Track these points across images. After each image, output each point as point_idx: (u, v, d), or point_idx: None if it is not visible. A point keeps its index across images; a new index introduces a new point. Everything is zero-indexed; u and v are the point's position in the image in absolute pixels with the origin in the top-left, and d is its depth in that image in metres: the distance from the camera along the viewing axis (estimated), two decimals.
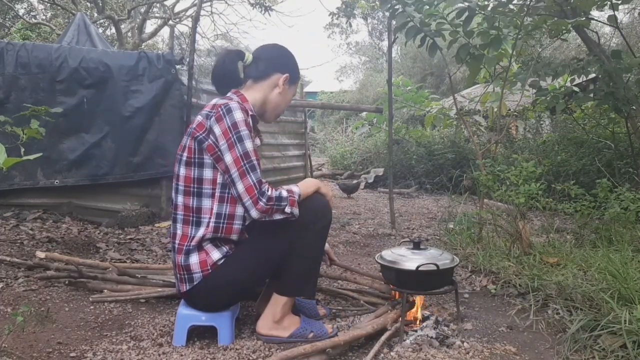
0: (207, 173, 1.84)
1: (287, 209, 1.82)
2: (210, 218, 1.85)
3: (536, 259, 2.70)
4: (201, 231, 1.85)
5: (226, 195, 1.86)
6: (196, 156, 1.84)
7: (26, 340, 1.87)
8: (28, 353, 1.78)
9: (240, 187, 1.79)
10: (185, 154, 1.86)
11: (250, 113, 1.88)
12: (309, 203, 1.92)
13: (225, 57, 1.98)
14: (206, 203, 1.85)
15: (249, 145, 1.80)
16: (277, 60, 2.02)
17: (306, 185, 1.95)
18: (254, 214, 1.79)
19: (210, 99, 2.06)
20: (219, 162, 1.82)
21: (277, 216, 1.82)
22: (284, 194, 1.83)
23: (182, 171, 1.87)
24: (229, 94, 1.96)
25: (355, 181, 7.55)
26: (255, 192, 1.78)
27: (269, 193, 1.79)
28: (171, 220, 1.95)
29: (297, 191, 1.88)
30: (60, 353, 1.80)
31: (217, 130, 1.80)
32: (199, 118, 1.87)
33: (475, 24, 3.50)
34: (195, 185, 1.85)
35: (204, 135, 1.82)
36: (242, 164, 1.79)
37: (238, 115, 1.80)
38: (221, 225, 1.86)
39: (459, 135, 7.77)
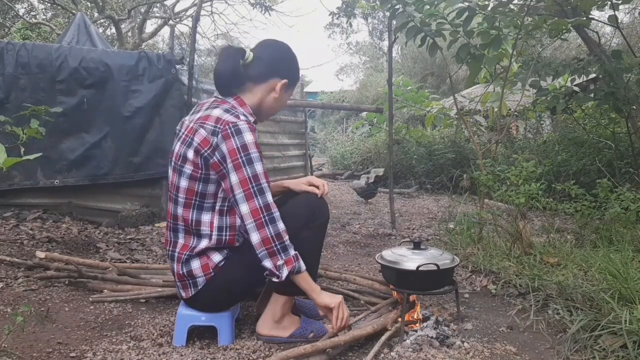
0: (211, 188, 1.81)
1: (279, 262, 1.71)
2: (212, 232, 1.83)
3: (536, 259, 2.70)
4: (204, 243, 1.83)
5: (226, 208, 1.84)
6: (203, 172, 1.79)
7: (26, 340, 1.87)
8: (28, 353, 1.78)
9: (244, 208, 1.72)
10: (189, 167, 1.79)
11: (252, 119, 1.86)
12: (306, 201, 1.92)
13: (229, 55, 1.89)
14: (205, 217, 1.83)
15: (259, 167, 1.74)
16: (277, 64, 1.93)
17: (308, 285, 1.81)
18: (255, 238, 1.71)
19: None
20: (224, 179, 1.77)
21: (267, 262, 1.71)
22: (292, 251, 1.75)
23: (184, 183, 1.81)
24: (228, 99, 1.89)
25: (373, 183, 6.97)
26: (261, 215, 1.71)
27: (282, 227, 1.72)
28: (168, 228, 1.91)
29: (302, 265, 1.77)
30: (60, 353, 1.80)
31: (224, 148, 1.74)
32: (203, 132, 1.77)
33: (475, 24, 3.50)
34: (198, 199, 1.82)
35: (209, 152, 1.76)
36: (250, 186, 1.72)
37: (248, 137, 1.74)
38: (224, 237, 1.85)
39: (459, 135, 7.76)
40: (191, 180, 1.81)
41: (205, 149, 1.76)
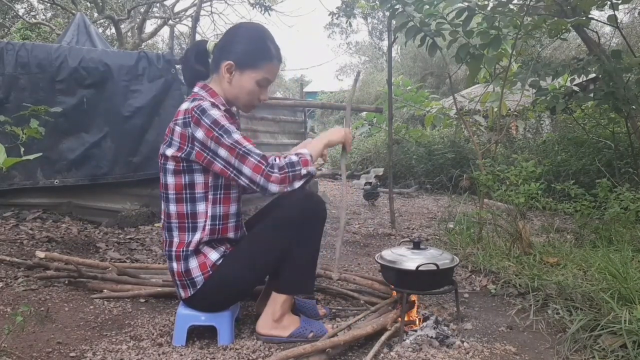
0: (199, 177, 1.82)
1: (303, 171, 1.79)
2: (205, 221, 1.84)
3: (536, 259, 2.70)
4: (197, 235, 1.84)
5: (218, 196, 1.84)
6: (184, 165, 1.81)
7: (26, 340, 1.87)
8: (28, 353, 1.78)
9: (246, 170, 1.74)
10: (171, 164, 1.82)
11: (224, 107, 1.87)
12: (304, 200, 1.92)
13: (188, 51, 1.96)
14: (200, 207, 1.84)
15: (236, 135, 1.77)
16: (224, 47, 1.90)
17: (314, 145, 1.92)
18: (274, 188, 1.75)
19: None
20: (211, 165, 1.78)
21: (297, 183, 1.78)
22: (294, 158, 1.80)
23: (171, 180, 1.83)
24: (195, 89, 1.92)
25: (376, 183, 6.69)
26: (263, 167, 1.74)
27: (278, 162, 1.77)
28: (163, 228, 1.92)
29: (306, 152, 1.84)
30: (60, 353, 1.80)
31: (200, 134, 1.75)
32: (177, 129, 1.79)
33: (475, 24, 3.51)
34: (188, 192, 1.83)
35: (190, 145, 1.77)
36: (238, 150, 1.75)
37: (215, 112, 1.77)
38: (217, 226, 1.85)
39: (459, 135, 7.77)
40: (176, 175, 1.83)
41: (186, 143, 1.78)
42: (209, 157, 1.77)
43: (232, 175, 1.77)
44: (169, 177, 1.84)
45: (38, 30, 12.26)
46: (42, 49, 4.13)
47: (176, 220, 1.86)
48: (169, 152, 1.81)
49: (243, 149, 1.76)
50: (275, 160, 1.77)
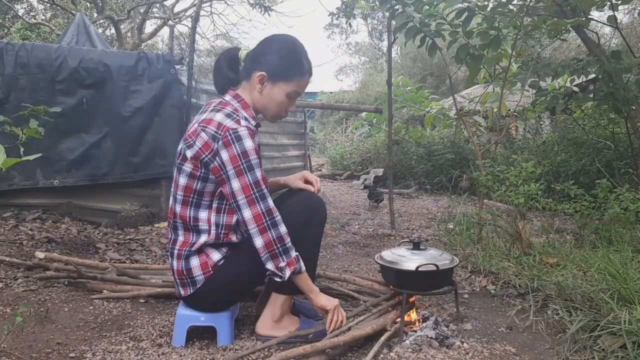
0: (210, 187, 1.84)
1: (282, 264, 1.76)
2: (210, 227, 1.85)
3: (536, 260, 2.70)
4: (203, 238, 1.85)
5: (223, 206, 1.86)
6: (202, 170, 1.81)
7: (25, 340, 1.87)
8: (27, 353, 1.78)
9: (247, 214, 1.75)
10: (189, 165, 1.82)
11: (254, 122, 1.88)
12: (303, 200, 1.93)
13: (220, 58, 1.95)
14: (203, 214, 1.85)
15: (259, 174, 1.76)
16: (256, 57, 1.90)
17: (308, 282, 1.86)
18: (258, 242, 1.74)
19: (210, 99, 2.05)
20: (223, 185, 1.79)
21: (270, 264, 1.76)
22: (294, 252, 1.79)
23: (183, 181, 1.84)
24: (227, 98, 1.91)
25: (371, 182, 6.61)
26: (264, 220, 1.74)
27: (283, 230, 1.76)
28: (169, 226, 1.93)
29: (302, 266, 1.82)
30: (60, 353, 1.80)
31: (224, 155, 1.75)
32: (204, 136, 1.78)
33: (474, 24, 3.51)
34: (195, 197, 1.84)
35: (210, 156, 1.78)
36: (252, 192, 1.75)
37: (248, 144, 1.75)
38: (221, 233, 1.87)
39: (458, 136, 7.76)
40: (190, 178, 1.83)
41: (207, 153, 1.78)
42: (223, 177, 1.77)
43: (233, 205, 1.78)
44: (182, 177, 1.84)
45: (38, 30, 12.25)
46: (42, 49, 4.13)
47: (181, 221, 1.87)
48: (189, 153, 1.81)
49: (256, 193, 1.75)
50: (282, 226, 1.76)
